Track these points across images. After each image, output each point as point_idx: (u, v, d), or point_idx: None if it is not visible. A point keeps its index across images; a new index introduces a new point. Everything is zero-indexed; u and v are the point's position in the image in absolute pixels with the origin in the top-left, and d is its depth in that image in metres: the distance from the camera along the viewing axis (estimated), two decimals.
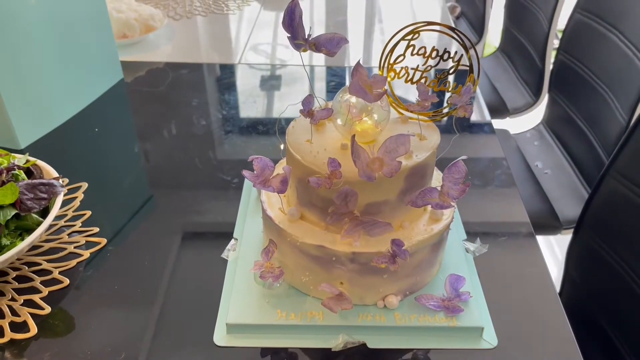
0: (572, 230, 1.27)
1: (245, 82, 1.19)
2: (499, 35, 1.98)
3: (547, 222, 1.27)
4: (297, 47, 0.57)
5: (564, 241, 1.05)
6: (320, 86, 1.18)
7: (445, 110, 0.62)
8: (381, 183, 0.56)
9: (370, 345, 0.60)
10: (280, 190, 0.57)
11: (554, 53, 1.54)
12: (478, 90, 1.17)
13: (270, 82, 1.19)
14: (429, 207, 0.63)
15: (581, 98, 1.36)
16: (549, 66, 1.58)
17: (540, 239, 0.76)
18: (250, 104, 1.08)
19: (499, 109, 1.71)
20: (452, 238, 0.71)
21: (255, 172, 0.58)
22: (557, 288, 0.75)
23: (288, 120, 0.64)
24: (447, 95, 0.62)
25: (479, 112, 1.10)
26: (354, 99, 0.58)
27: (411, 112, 0.63)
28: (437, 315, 0.61)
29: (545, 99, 1.59)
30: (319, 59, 1.29)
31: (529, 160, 1.45)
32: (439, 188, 0.57)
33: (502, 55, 1.92)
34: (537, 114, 1.64)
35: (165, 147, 0.94)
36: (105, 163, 0.90)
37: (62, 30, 0.93)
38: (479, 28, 2.13)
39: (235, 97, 1.10)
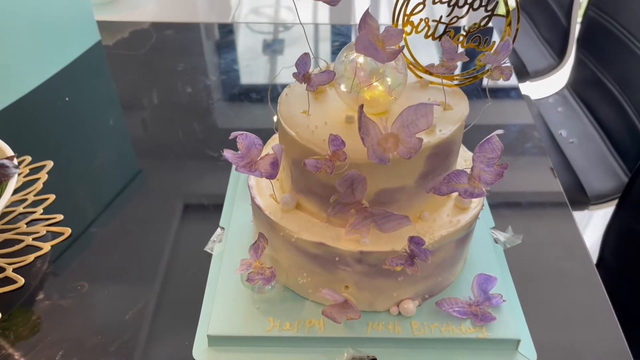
0: (600, 206, 1.16)
1: (240, 44, 1.06)
2: None
3: (573, 197, 1.15)
4: None
5: (590, 217, 0.93)
6: (325, 47, 1.05)
7: (476, 72, 0.50)
8: (396, 166, 0.44)
9: None
10: (269, 175, 0.46)
11: (581, 10, 1.39)
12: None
13: (268, 43, 1.06)
14: (453, 194, 0.52)
15: (613, 58, 1.23)
16: (575, 24, 1.44)
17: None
18: (244, 69, 0.96)
19: (518, 72, 1.58)
20: (478, 226, 0.60)
21: (239, 151, 0.47)
22: None
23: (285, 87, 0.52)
24: (478, 54, 0.49)
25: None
26: (361, 59, 0.46)
27: (433, 75, 0.50)
28: (462, 324, 0.50)
29: (570, 60, 1.45)
30: (323, 16, 1.15)
31: (552, 129, 1.33)
32: (468, 171, 0.45)
33: (521, 12, 1.77)
34: (561, 77, 1.51)
35: (146, 119, 0.83)
36: (75, 138, 0.78)
37: None
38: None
39: (227, 61, 0.98)
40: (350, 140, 0.43)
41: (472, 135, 0.52)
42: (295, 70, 0.47)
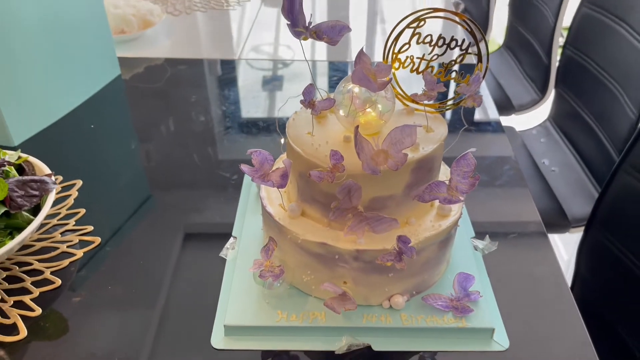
0: (580, 228, 1.25)
1: (245, 78, 1.16)
2: (502, 32, 1.95)
3: (555, 221, 1.24)
4: (298, 35, 0.54)
5: (569, 240, 1.02)
6: (323, 81, 1.16)
7: (453, 101, 0.59)
8: (386, 177, 0.53)
9: (375, 347, 0.57)
10: (280, 185, 0.54)
11: (559, 49, 1.51)
12: (485, 87, 1.14)
13: (271, 78, 1.17)
14: (436, 203, 0.60)
15: (589, 93, 1.33)
16: (555, 62, 1.55)
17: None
18: (250, 100, 1.05)
19: (504, 105, 1.68)
20: (461, 236, 0.68)
21: (254, 166, 0.56)
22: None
23: (289, 118, 0.61)
24: (454, 86, 0.59)
25: (485, 110, 1.07)
26: (357, 89, 0.55)
27: (417, 102, 0.60)
28: (445, 315, 0.58)
29: (551, 95, 1.56)
30: (321, 53, 1.26)
31: (536, 158, 1.42)
32: (447, 182, 0.54)
33: (506, 51, 1.89)
34: (543, 110, 1.62)
35: (164, 144, 0.92)
36: (101, 160, 0.87)
37: (57, 26, 0.90)
38: (483, 25, 2.10)
39: (235, 94, 1.07)
40: (348, 155, 0.52)
41: (455, 159, 0.61)
42: (302, 99, 0.57)
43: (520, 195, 0.81)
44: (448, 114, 1.04)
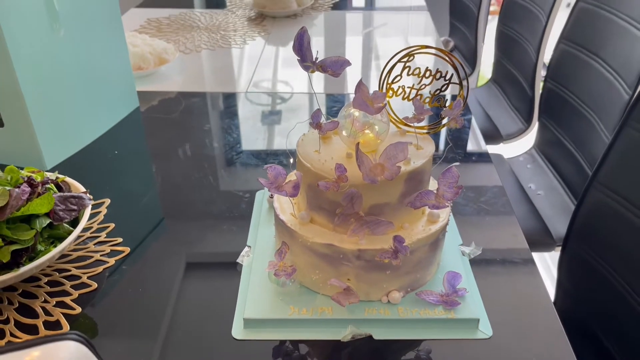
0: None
1: (249, 111, 1.26)
2: (490, 67, 2.08)
3: (541, 240, 1.33)
4: (306, 68, 0.64)
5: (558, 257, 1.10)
6: (322, 111, 1.26)
7: (439, 123, 0.69)
8: (383, 186, 0.62)
9: (376, 336, 0.65)
10: (292, 194, 0.64)
11: (542, 82, 1.62)
12: (473, 120, 1.25)
13: (275, 109, 1.27)
14: (427, 211, 0.70)
15: (569, 122, 1.44)
16: (538, 94, 1.67)
17: (536, 256, 0.81)
18: (259, 129, 1.15)
19: (493, 135, 1.79)
20: (450, 244, 0.77)
21: (269, 179, 0.65)
22: (552, 298, 0.80)
23: (292, 150, 0.71)
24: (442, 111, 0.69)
25: (475, 141, 1.17)
26: (357, 113, 0.65)
27: (408, 125, 0.70)
28: (436, 309, 0.67)
29: (536, 124, 1.67)
30: (319, 86, 1.37)
31: (523, 183, 1.52)
32: (435, 191, 0.63)
33: (494, 85, 2.02)
34: (529, 139, 1.72)
35: (179, 167, 1.01)
36: (124, 182, 0.96)
37: (86, 61, 1.01)
38: (472, 61, 2.24)
39: (244, 124, 1.18)
40: (350, 168, 0.62)
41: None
42: (307, 124, 0.67)
43: (507, 221, 0.89)
44: (442, 143, 1.14)
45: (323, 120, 0.67)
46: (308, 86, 1.37)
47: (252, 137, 1.12)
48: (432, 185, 0.73)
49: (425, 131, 0.70)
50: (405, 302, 0.68)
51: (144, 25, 1.74)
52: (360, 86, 0.63)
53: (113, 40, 1.08)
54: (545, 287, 0.74)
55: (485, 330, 0.66)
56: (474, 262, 0.76)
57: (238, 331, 0.66)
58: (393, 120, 0.71)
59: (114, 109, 1.12)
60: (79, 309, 0.69)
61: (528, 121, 1.75)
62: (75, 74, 0.99)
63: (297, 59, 0.64)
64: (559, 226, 1.35)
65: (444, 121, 0.68)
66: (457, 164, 0.63)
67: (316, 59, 0.64)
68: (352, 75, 1.50)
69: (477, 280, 0.73)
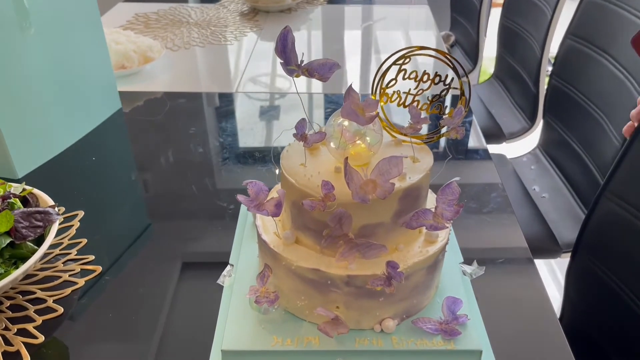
0: (570, 253, 1.27)
1: (243, 111, 1.20)
2: (493, 62, 2.01)
3: (546, 246, 1.27)
4: (290, 72, 0.58)
5: (565, 264, 1.04)
6: (319, 113, 1.20)
7: (438, 133, 0.63)
8: (375, 205, 0.56)
9: None
10: (274, 214, 0.57)
11: (547, 78, 1.56)
12: (474, 117, 1.18)
13: (268, 111, 1.21)
14: (423, 229, 0.63)
15: (575, 122, 1.37)
16: (543, 91, 1.60)
17: (542, 262, 0.76)
18: (247, 132, 1.09)
19: (495, 134, 1.73)
20: (449, 261, 0.70)
21: (249, 196, 0.59)
22: (558, 311, 0.74)
23: (284, 147, 0.64)
24: (441, 119, 0.62)
25: (476, 138, 1.11)
26: (347, 123, 0.58)
27: (404, 134, 0.63)
28: (434, 338, 0.60)
29: (540, 123, 1.60)
30: (317, 86, 1.31)
31: (526, 184, 1.45)
32: (433, 209, 0.57)
33: (496, 81, 1.95)
34: (533, 138, 1.66)
35: (162, 175, 0.95)
36: (102, 191, 0.90)
37: (60, 61, 0.94)
38: (474, 56, 2.16)
39: (233, 125, 1.11)
40: (339, 185, 0.55)
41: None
42: (295, 132, 0.60)
43: (507, 221, 0.84)
44: (441, 142, 1.08)
45: (309, 130, 0.60)
46: (306, 85, 1.31)
47: (240, 142, 1.06)
48: (430, 199, 0.66)
49: (422, 141, 0.64)
50: (400, 331, 0.61)
51: (131, 20, 1.67)
52: (350, 93, 0.56)
53: (91, 38, 1.02)
54: (553, 308, 0.68)
55: None
56: (474, 281, 0.70)
57: None
58: (387, 129, 0.64)
59: (93, 111, 1.05)
60: (42, 338, 0.63)
61: (532, 119, 1.69)
62: (48, 76, 0.93)
63: (281, 62, 0.57)
64: (565, 231, 1.29)
65: (443, 130, 0.61)
66: (458, 178, 0.57)
67: (302, 61, 0.57)
68: (352, 72, 1.44)
69: (478, 299, 0.66)
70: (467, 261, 0.72)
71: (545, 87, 1.56)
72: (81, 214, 0.82)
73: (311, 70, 0.57)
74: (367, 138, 0.59)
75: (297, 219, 0.61)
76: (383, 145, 0.61)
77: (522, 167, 1.54)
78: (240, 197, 0.58)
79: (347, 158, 0.53)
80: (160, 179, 0.94)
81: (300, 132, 0.59)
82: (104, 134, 1.05)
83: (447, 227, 0.57)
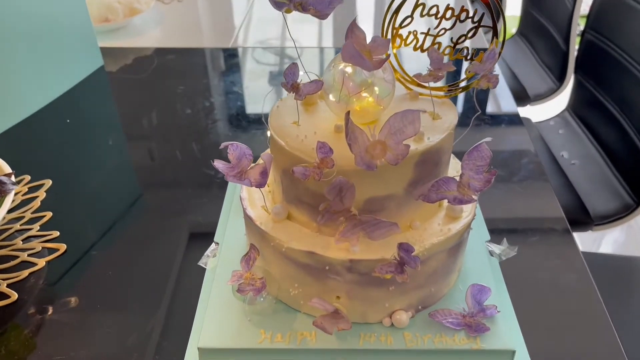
0: (604, 226, 1.15)
1: (237, 68, 1.08)
2: (514, 21, 1.85)
3: (576, 218, 1.15)
4: (279, 6, 0.45)
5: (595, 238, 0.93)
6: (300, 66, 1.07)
7: (464, 83, 0.51)
8: (384, 173, 0.44)
9: None
10: (259, 184, 0.46)
11: (578, 35, 1.41)
12: (500, 75, 1.05)
13: (268, 67, 1.08)
14: (444, 203, 0.52)
15: (611, 80, 1.24)
16: (574, 48, 1.45)
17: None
18: (244, 91, 0.97)
19: (519, 96, 1.59)
20: (473, 240, 0.59)
21: (230, 162, 0.47)
22: None
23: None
24: (465, 66, 0.50)
25: (501, 100, 0.98)
26: (349, 69, 0.46)
27: (421, 85, 0.51)
28: (456, 335, 0.49)
29: (570, 83, 1.46)
30: (327, 39, 1.17)
31: (554, 151, 1.33)
32: (457, 178, 0.45)
33: (520, 39, 1.80)
34: (561, 100, 1.52)
35: (143, 140, 0.84)
36: (75, 159, 0.80)
37: (31, 15, 0.83)
38: (495, 12, 2.00)
39: (227, 84, 0.99)
40: (339, 148, 0.44)
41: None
42: (283, 81, 0.48)
43: (541, 191, 0.72)
44: (459, 102, 0.95)
45: (301, 79, 0.48)
46: (316, 37, 1.17)
47: (235, 102, 0.94)
48: (452, 167, 0.54)
49: (444, 93, 0.52)
50: (415, 326, 0.50)
51: None
52: (354, 31, 0.44)
53: None
54: (599, 296, 0.56)
55: None
56: (504, 262, 0.58)
57: None
58: (401, 79, 0.52)
59: (68, 69, 0.94)
60: None
61: (560, 79, 1.54)
62: (17, 29, 0.81)
63: None
64: (597, 202, 1.16)
65: (472, 80, 0.49)
66: (489, 139, 0.45)
67: None
68: (366, 21, 1.29)
69: (509, 289, 0.55)
70: (495, 239, 0.61)
71: (577, 43, 1.41)
72: (48, 183, 0.71)
73: (305, 4, 0.45)
74: (375, 88, 0.47)
75: (289, 190, 0.50)
76: (395, 100, 0.49)
77: (549, 132, 1.41)
78: (217, 163, 0.47)
79: (348, 112, 0.41)
80: (141, 144, 0.83)
81: (291, 81, 0.47)
82: (81, 95, 0.94)
83: (475, 200, 0.45)
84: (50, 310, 0.56)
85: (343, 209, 0.45)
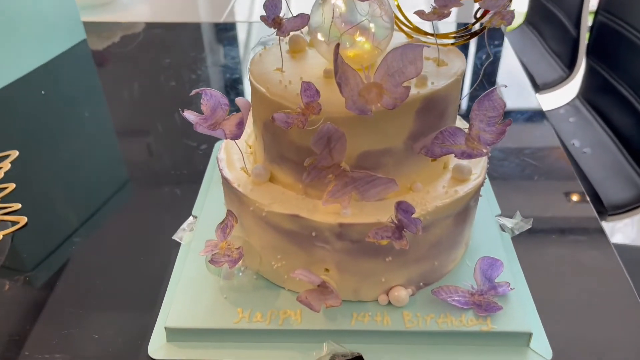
0: (618, 216, 1.08)
1: (232, 42, 1.01)
2: (521, 16, 1.79)
3: None
4: None
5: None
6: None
7: (475, 26, 0.44)
8: (380, 121, 0.38)
9: (369, 358, 0.41)
10: (234, 136, 0.40)
11: (590, 18, 1.35)
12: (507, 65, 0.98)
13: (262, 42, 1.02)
14: (450, 164, 0.45)
15: (625, 63, 1.17)
16: (585, 34, 1.39)
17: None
18: (232, 63, 0.91)
19: None
20: (483, 212, 0.53)
21: (203, 112, 0.41)
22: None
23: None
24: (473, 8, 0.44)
25: (522, 88, 0.90)
26: (342, 3, 0.40)
27: (424, 33, 0.45)
28: (463, 315, 0.43)
29: (579, 72, 1.40)
30: None
31: (565, 139, 1.26)
32: (465, 130, 0.39)
33: (528, 27, 1.73)
34: (570, 89, 1.46)
35: (123, 111, 0.78)
36: (47, 130, 0.73)
37: None
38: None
39: (215, 57, 0.93)
40: (328, 94, 0.37)
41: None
42: (262, 14, 0.42)
43: (555, 162, 0.66)
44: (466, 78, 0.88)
45: (284, 15, 0.42)
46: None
47: (221, 75, 0.88)
48: (459, 125, 0.48)
49: (451, 41, 0.45)
50: (415, 304, 0.44)
51: None
52: None
53: None
54: (626, 274, 0.50)
55: (540, 350, 0.42)
56: (516, 240, 0.52)
57: (157, 347, 0.43)
58: (401, 25, 0.46)
59: (47, 41, 0.88)
60: None
61: (570, 67, 1.48)
62: None
63: None
64: (611, 191, 1.09)
65: (484, 19, 0.43)
66: (505, 85, 0.38)
67: None
68: None
69: (523, 267, 0.48)
70: (507, 214, 0.54)
71: (588, 28, 1.35)
72: (15, 154, 0.65)
73: None
74: (372, 29, 0.40)
75: (271, 147, 0.43)
76: (394, 47, 0.42)
77: (559, 121, 1.35)
78: (187, 113, 0.41)
79: (338, 45, 0.35)
80: (121, 115, 0.76)
81: (272, 15, 0.41)
82: (60, 68, 0.88)
83: (486, 155, 0.39)
84: (7, 286, 0.50)
85: (332, 164, 0.39)
